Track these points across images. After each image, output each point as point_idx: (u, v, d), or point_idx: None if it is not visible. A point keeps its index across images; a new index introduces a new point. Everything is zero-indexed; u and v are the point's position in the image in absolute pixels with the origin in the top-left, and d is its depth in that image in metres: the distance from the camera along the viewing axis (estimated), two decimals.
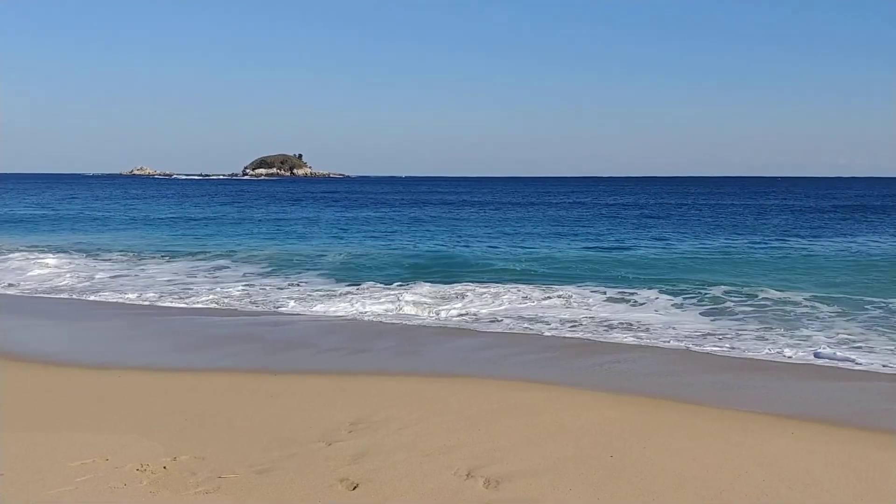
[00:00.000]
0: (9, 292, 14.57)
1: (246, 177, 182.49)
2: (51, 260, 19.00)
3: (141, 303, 13.32)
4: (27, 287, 15.15)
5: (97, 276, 16.55)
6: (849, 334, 10.52)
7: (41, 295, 14.27)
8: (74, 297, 14.00)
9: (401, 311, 12.39)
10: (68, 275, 16.66)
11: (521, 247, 23.72)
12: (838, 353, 9.26)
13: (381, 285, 15.02)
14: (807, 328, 10.99)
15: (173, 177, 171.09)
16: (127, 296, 13.86)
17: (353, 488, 4.97)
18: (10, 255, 19.84)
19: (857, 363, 8.90)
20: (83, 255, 20.55)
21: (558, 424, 6.39)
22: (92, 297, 13.90)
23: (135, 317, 11.95)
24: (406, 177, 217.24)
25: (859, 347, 9.71)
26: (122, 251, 21.75)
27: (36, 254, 20.32)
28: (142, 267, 18.41)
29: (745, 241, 26.25)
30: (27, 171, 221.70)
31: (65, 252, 21.17)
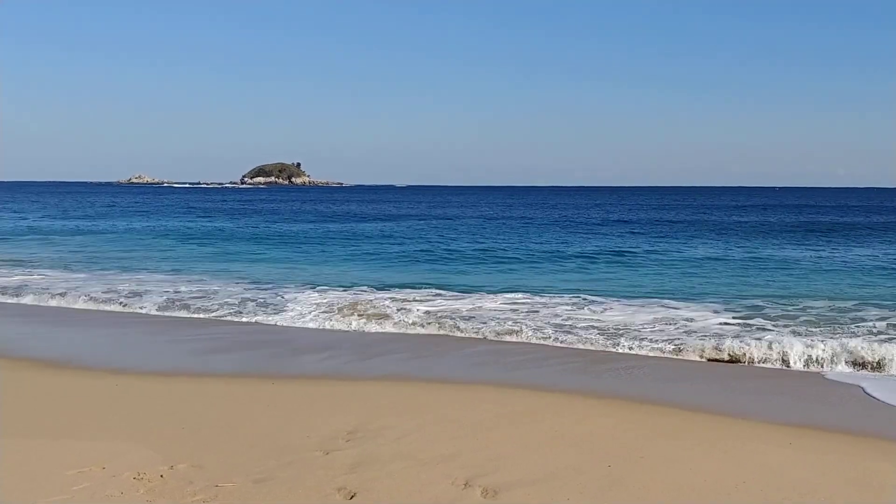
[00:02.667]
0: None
1: (244, 185, 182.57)
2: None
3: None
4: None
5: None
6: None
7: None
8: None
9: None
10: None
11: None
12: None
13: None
14: (819, 336, 10.86)
15: (189, 186, 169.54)
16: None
17: (351, 497, 4.96)
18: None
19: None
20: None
21: (557, 433, 6.38)
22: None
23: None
24: (404, 186, 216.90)
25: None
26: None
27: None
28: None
29: (761, 249, 25.93)
30: (22, 179, 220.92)
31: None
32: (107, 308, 13.66)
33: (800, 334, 10.77)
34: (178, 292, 14.94)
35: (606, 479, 5.35)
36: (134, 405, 7.20)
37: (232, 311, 13.12)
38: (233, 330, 11.59)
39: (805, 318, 12.27)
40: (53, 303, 14.17)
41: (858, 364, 9.33)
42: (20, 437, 6.10)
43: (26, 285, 15.77)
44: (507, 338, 11.01)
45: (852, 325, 11.56)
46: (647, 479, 5.36)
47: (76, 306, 13.87)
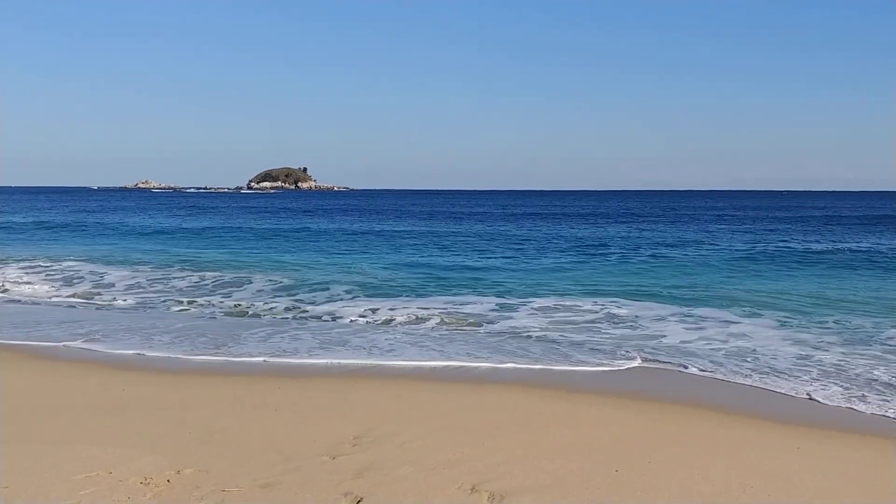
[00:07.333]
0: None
1: (251, 190, 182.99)
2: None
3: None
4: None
5: None
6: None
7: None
8: None
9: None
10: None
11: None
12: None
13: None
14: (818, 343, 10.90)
15: (183, 190, 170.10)
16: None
17: (357, 502, 4.96)
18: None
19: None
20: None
21: (564, 438, 6.36)
22: None
23: None
24: (407, 189, 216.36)
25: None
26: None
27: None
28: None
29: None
30: (26, 184, 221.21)
31: None
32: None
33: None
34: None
35: (614, 484, 5.33)
36: (142, 410, 7.20)
37: None
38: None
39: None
40: None
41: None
42: (27, 441, 6.12)
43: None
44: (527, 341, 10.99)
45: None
46: (654, 484, 5.35)
47: None
